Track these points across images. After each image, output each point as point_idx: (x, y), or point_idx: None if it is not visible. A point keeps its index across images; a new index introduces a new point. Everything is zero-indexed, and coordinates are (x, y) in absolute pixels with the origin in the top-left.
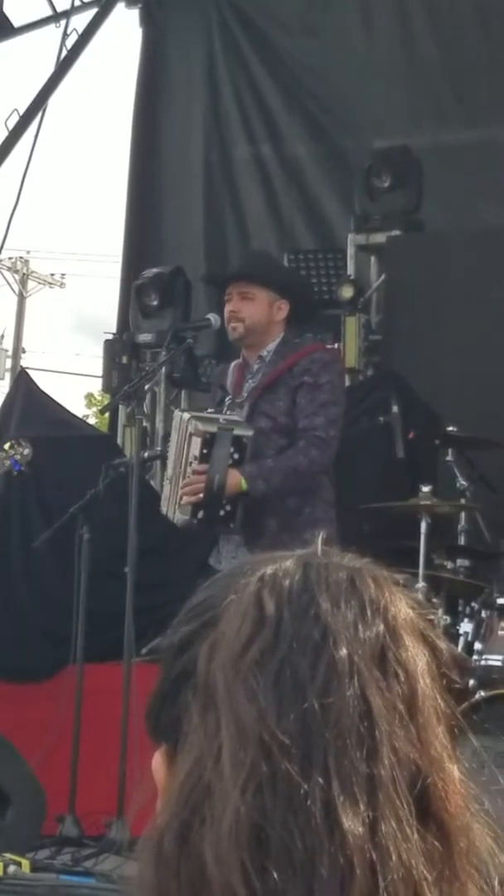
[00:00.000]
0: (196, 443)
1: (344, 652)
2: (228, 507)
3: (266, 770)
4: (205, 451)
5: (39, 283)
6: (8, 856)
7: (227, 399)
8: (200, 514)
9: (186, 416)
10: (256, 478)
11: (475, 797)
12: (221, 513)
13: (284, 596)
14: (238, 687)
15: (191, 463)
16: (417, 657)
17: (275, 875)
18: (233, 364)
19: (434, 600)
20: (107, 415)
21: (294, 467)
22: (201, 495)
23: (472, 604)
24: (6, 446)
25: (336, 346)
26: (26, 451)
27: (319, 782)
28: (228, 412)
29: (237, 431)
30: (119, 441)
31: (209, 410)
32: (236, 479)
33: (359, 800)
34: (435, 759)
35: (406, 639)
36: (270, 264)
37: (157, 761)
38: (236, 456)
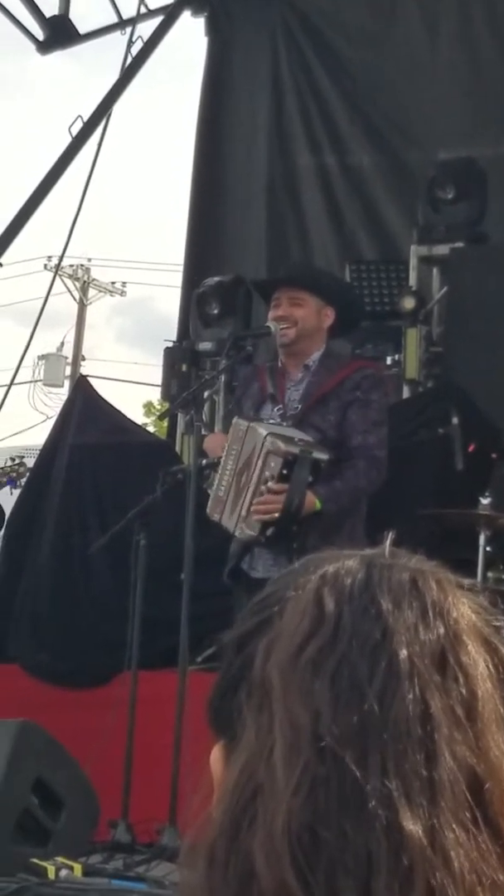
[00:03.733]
0: (276, 462)
1: (404, 653)
2: (295, 528)
3: (320, 770)
4: (284, 471)
5: (100, 290)
6: (60, 860)
7: (276, 408)
8: (269, 532)
9: (263, 431)
10: (330, 500)
11: None
12: (289, 532)
13: (345, 594)
14: (293, 685)
15: (266, 481)
16: (478, 661)
17: (328, 875)
18: (265, 366)
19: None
20: (165, 422)
21: (359, 488)
22: (276, 515)
23: None
24: (6, 465)
25: (396, 357)
26: (22, 470)
27: (378, 783)
28: (283, 423)
29: (316, 455)
30: (177, 449)
31: (271, 421)
32: (311, 501)
33: (419, 803)
34: (494, 765)
35: (468, 642)
36: (317, 272)
37: (215, 756)
38: (310, 479)
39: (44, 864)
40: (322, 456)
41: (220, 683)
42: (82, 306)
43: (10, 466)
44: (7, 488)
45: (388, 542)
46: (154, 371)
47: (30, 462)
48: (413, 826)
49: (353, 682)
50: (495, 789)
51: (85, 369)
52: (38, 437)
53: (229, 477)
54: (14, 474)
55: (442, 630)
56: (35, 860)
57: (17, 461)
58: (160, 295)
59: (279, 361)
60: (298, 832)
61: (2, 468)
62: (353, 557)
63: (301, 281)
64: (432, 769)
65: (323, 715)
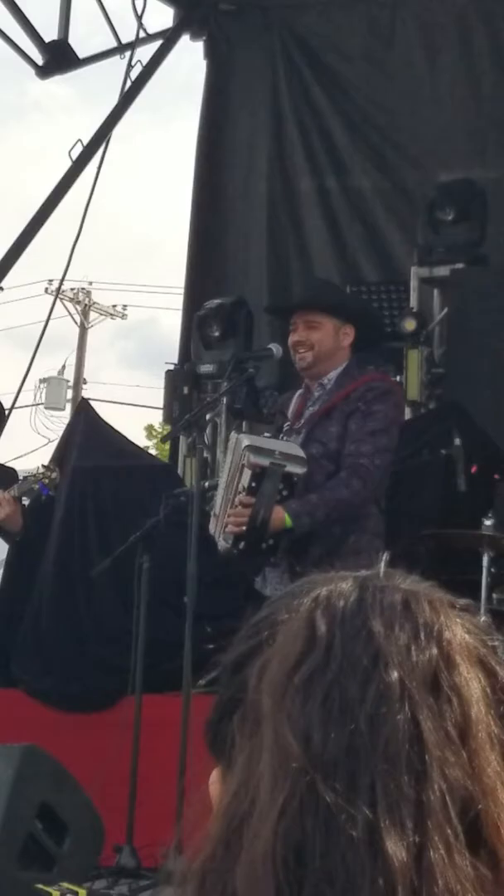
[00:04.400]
0: (247, 475)
1: (395, 675)
2: (272, 542)
3: (306, 793)
4: (253, 484)
5: (101, 313)
6: (65, 885)
7: (285, 425)
8: (241, 546)
9: (244, 442)
10: (301, 515)
11: None
12: (263, 546)
13: (337, 617)
14: (284, 708)
15: (240, 493)
16: (472, 682)
17: None
18: (297, 393)
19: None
20: (168, 445)
21: (338, 500)
22: (244, 528)
23: None
24: (37, 471)
25: (398, 378)
26: (54, 475)
27: (364, 806)
28: (285, 438)
29: (289, 468)
30: (180, 471)
31: (266, 434)
32: (280, 516)
33: (405, 825)
34: (488, 787)
35: (461, 664)
36: (333, 291)
37: (213, 779)
38: (285, 493)
39: (48, 889)
40: (296, 470)
41: (217, 707)
42: (83, 329)
43: (41, 473)
44: (43, 495)
45: (383, 564)
46: (156, 394)
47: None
48: (397, 848)
49: (343, 704)
50: (490, 810)
51: (86, 392)
52: (40, 460)
53: (223, 490)
54: (46, 480)
55: (434, 651)
56: (40, 885)
57: (48, 467)
58: (162, 318)
59: (305, 384)
60: (284, 855)
61: (34, 475)
62: (347, 579)
63: (314, 304)
64: (421, 791)
65: (313, 737)
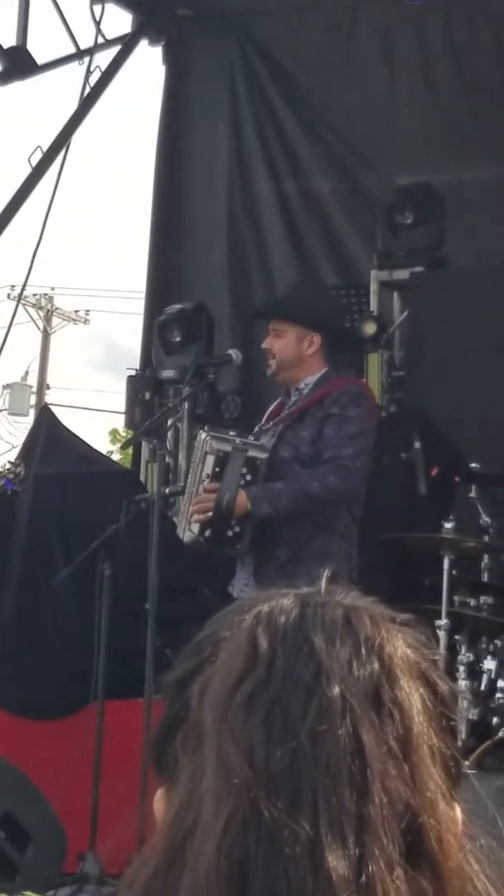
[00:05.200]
0: (210, 461)
1: (336, 690)
2: (237, 529)
3: (250, 809)
4: (217, 469)
5: (64, 319)
6: (28, 893)
7: (256, 427)
8: (207, 533)
9: (204, 434)
10: (262, 500)
11: (474, 836)
12: (230, 533)
13: (279, 633)
14: (226, 725)
15: (203, 481)
16: (413, 696)
17: None
18: (279, 399)
19: (457, 637)
20: (130, 450)
21: (305, 491)
22: (210, 514)
23: (496, 641)
24: (2, 468)
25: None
26: (19, 470)
27: (306, 821)
28: (252, 438)
29: (251, 452)
30: (142, 477)
31: (231, 433)
32: (244, 501)
33: (347, 839)
34: (429, 800)
35: (402, 678)
36: (303, 298)
37: (158, 797)
38: (249, 477)
39: None
40: (259, 454)
41: (161, 725)
42: (46, 335)
43: (7, 469)
44: (8, 489)
45: (324, 579)
46: (121, 398)
47: None
48: (337, 863)
49: (285, 720)
50: (431, 823)
51: (50, 398)
52: (3, 466)
53: (188, 487)
54: (11, 475)
55: (376, 666)
56: (3, 894)
57: (14, 463)
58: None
59: (285, 390)
60: (227, 872)
61: (1, 472)
62: (288, 596)
63: (276, 311)
64: (363, 805)
65: (255, 754)
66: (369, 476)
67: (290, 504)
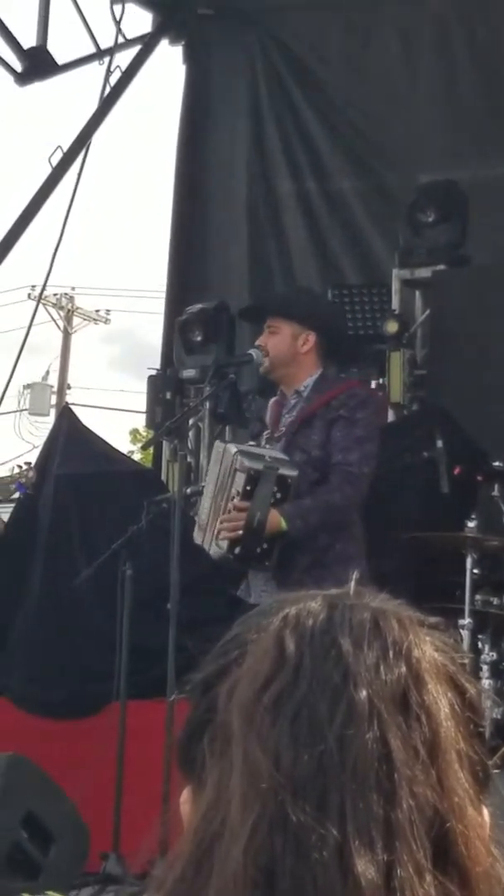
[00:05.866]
0: (240, 478)
1: (364, 694)
2: (266, 546)
3: (277, 813)
4: (248, 487)
5: (84, 319)
6: (51, 893)
7: (265, 433)
8: (237, 550)
9: (233, 449)
10: (295, 518)
11: (499, 839)
12: (258, 550)
13: (306, 636)
14: (253, 728)
15: (233, 498)
16: (441, 700)
17: None
18: (272, 400)
19: (480, 636)
20: (151, 450)
21: (331, 504)
22: (240, 532)
23: None
24: (13, 472)
25: (381, 381)
26: (31, 474)
27: (333, 826)
28: (267, 446)
29: (282, 471)
30: (163, 477)
31: (250, 443)
32: (276, 519)
33: (375, 844)
34: (456, 805)
35: (429, 682)
36: (298, 298)
37: (184, 798)
38: (279, 495)
39: None
40: (290, 472)
41: (187, 727)
42: (67, 335)
43: (20, 473)
44: (18, 493)
45: (353, 582)
46: (141, 398)
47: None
48: (366, 867)
49: (312, 724)
50: (458, 828)
51: (71, 397)
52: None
53: (210, 500)
54: (24, 479)
55: (403, 669)
56: (25, 894)
57: (25, 468)
58: (147, 322)
59: (280, 390)
60: (254, 876)
61: (11, 475)
62: (316, 598)
63: (271, 308)
64: (391, 810)
65: (282, 757)
66: (390, 474)
67: (320, 518)
